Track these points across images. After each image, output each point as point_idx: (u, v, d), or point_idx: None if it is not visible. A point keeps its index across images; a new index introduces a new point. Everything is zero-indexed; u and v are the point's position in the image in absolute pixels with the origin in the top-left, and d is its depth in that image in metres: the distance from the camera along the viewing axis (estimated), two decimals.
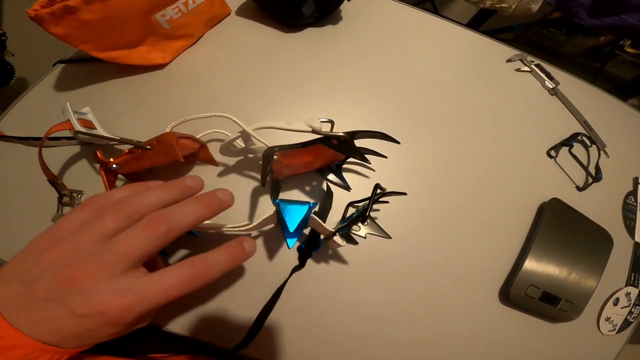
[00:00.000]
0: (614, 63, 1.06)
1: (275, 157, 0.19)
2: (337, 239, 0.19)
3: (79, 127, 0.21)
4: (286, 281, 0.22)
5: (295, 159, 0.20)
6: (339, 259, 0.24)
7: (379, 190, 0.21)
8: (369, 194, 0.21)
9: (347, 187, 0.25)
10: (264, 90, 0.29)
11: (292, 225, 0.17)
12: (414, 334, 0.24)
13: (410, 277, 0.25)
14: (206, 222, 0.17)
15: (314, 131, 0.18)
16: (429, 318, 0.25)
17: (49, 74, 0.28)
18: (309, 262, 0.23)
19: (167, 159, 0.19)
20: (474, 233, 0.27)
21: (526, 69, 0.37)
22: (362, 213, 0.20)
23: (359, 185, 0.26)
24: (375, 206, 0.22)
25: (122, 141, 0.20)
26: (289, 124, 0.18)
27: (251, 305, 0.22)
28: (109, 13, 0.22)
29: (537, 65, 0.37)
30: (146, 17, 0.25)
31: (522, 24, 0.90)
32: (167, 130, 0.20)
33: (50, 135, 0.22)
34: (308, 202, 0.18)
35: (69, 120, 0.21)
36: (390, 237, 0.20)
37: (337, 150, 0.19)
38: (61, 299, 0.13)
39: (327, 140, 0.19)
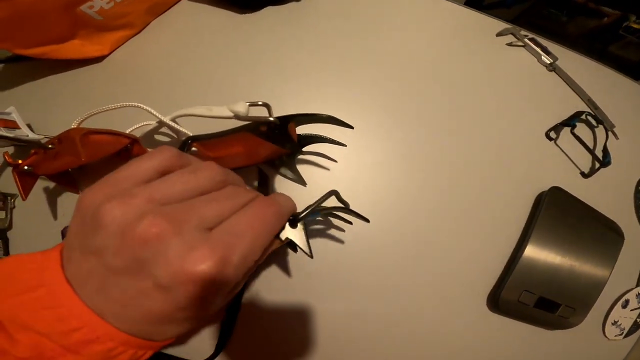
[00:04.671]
0: (618, 45, 0.94)
1: (194, 149, 0.15)
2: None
3: None
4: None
5: (222, 151, 0.16)
6: (314, 262, 0.20)
7: (332, 204, 0.15)
8: (326, 190, 0.16)
9: (302, 182, 0.20)
10: (216, 78, 0.24)
11: None
12: (393, 347, 0.20)
13: (385, 283, 0.20)
14: None
15: (237, 117, 0.14)
16: (407, 331, 0.20)
17: None
18: (278, 268, 0.19)
19: (81, 159, 0.15)
20: (461, 230, 0.22)
21: (519, 43, 0.31)
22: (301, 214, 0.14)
23: (322, 179, 0.21)
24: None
25: (19, 140, 0.16)
26: (209, 109, 0.14)
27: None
28: (18, 10, 0.18)
29: (532, 40, 0.31)
30: (69, 10, 0.21)
31: None
32: (74, 125, 0.16)
33: None
34: None
35: None
36: (312, 257, 0.15)
37: (266, 138, 0.14)
38: (141, 267, 0.09)
39: (255, 127, 0.14)
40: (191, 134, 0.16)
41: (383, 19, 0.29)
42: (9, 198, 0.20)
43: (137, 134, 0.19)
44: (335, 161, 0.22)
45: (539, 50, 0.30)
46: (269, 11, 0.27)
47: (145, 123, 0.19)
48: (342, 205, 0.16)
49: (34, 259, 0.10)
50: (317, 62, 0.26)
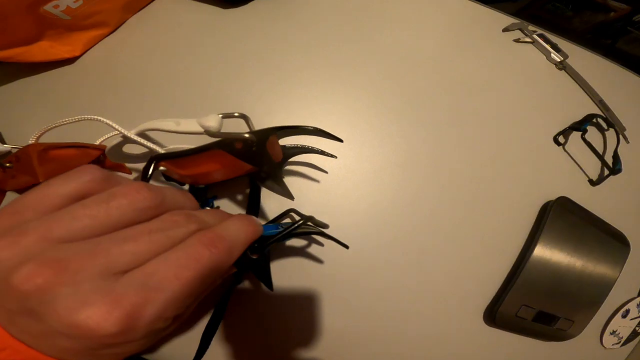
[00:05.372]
0: (625, 40, 0.89)
1: (162, 168, 0.13)
2: None
3: None
4: (229, 296, 0.17)
5: (196, 169, 0.14)
6: (302, 276, 0.18)
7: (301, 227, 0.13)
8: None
9: (289, 196, 0.18)
10: (199, 80, 0.22)
11: None
12: None
13: (380, 295, 0.19)
14: None
15: (207, 133, 0.12)
16: (401, 344, 0.19)
17: None
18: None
19: (38, 179, 0.13)
20: (460, 241, 0.20)
21: (527, 39, 0.28)
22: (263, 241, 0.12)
23: (311, 191, 0.19)
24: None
25: None
26: (177, 123, 0.12)
27: (201, 319, 0.17)
28: None
29: (541, 36, 0.28)
30: (32, 11, 0.18)
31: None
32: (31, 140, 0.14)
33: None
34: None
35: None
36: (272, 290, 0.13)
37: (241, 157, 0.12)
38: (34, 314, 0.08)
39: (229, 143, 0.12)
40: (161, 150, 0.14)
41: (380, 13, 0.26)
42: None
43: (109, 145, 0.17)
44: (326, 172, 0.20)
45: (548, 47, 0.27)
46: (256, 6, 0.24)
47: (116, 133, 0.16)
48: (318, 229, 0.14)
49: None
50: (308, 61, 0.23)
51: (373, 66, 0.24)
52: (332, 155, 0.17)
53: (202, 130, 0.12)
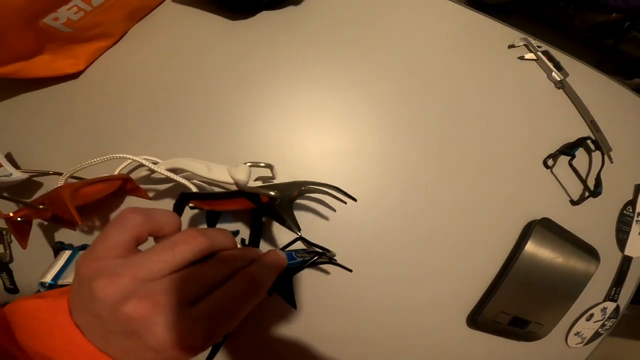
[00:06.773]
0: (625, 41, 0.87)
1: (191, 204, 0.14)
2: None
3: None
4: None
5: (220, 206, 0.15)
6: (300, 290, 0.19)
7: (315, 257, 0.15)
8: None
9: (297, 228, 0.17)
10: (206, 90, 0.21)
11: None
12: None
13: (365, 305, 0.20)
14: None
15: (237, 186, 0.12)
16: (389, 344, 0.21)
17: None
18: None
19: (78, 223, 0.14)
20: (445, 252, 0.22)
21: (531, 56, 0.27)
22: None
23: (315, 223, 0.19)
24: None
25: (8, 199, 0.15)
26: (208, 169, 0.13)
27: None
28: None
29: (545, 53, 0.27)
30: (30, 24, 0.17)
31: None
32: (60, 183, 0.15)
33: None
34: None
35: None
36: (295, 308, 0.16)
37: (264, 210, 0.13)
38: (134, 334, 0.11)
39: (256, 196, 0.13)
40: (187, 183, 0.14)
41: (385, 25, 0.25)
42: (4, 233, 0.19)
43: (128, 170, 0.17)
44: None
45: (550, 65, 0.27)
46: (264, 16, 0.23)
47: (133, 159, 0.16)
48: (329, 259, 0.16)
49: (44, 307, 0.11)
50: (316, 71, 0.23)
51: (381, 77, 0.23)
52: (349, 197, 0.17)
53: (232, 181, 0.12)
